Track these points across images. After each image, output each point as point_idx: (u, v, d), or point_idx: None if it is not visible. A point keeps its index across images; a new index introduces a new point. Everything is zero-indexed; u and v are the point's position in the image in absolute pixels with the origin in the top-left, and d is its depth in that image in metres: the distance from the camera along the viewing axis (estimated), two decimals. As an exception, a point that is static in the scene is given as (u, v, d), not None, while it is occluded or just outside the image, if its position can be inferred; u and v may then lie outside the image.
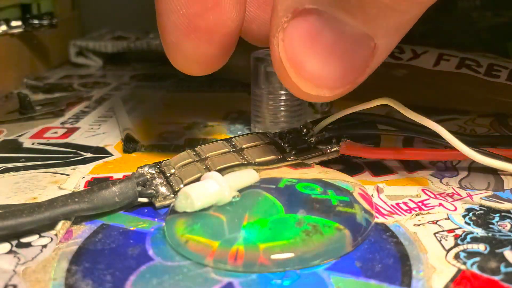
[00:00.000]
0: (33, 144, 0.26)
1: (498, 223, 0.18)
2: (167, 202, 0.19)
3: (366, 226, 0.17)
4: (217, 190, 0.17)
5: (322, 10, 0.15)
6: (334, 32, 0.15)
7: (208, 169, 0.20)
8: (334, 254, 0.16)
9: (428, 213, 0.19)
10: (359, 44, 0.16)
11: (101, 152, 0.25)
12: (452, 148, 0.18)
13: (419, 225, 0.18)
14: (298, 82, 0.16)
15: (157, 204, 0.19)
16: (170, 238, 0.17)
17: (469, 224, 0.18)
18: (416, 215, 0.18)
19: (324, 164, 0.21)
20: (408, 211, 0.19)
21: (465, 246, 0.16)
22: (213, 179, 0.17)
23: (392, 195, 0.20)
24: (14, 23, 0.37)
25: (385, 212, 0.19)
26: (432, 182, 0.21)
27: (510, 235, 0.17)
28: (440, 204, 0.19)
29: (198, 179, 0.19)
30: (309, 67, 0.16)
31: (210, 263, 0.16)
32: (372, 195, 0.20)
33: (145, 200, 0.19)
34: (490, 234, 0.17)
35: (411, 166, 0.22)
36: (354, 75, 0.16)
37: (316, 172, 0.20)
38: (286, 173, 0.20)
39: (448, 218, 0.18)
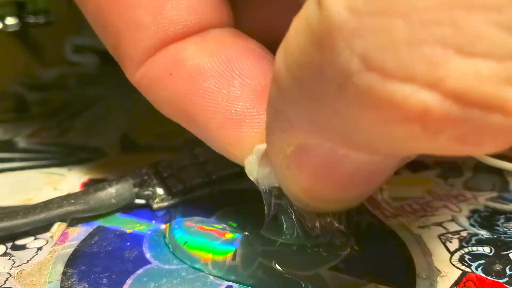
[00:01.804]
0: (28, 144, 0.26)
1: (504, 225, 0.18)
2: (165, 203, 0.19)
3: (370, 229, 0.17)
4: None
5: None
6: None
7: (208, 174, 0.19)
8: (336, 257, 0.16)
9: (433, 214, 0.18)
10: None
11: (97, 152, 0.24)
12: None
13: (423, 227, 0.17)
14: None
15: (154, 206, 0.18)
16: (170, 240, 0.16)
17: (474, 226, 0.17)
18: (421, 216, 0.18)
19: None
20: (412, 213, 0.18)
21: (470, 249, 0.16)
22: None
23: (396, 197, 0.20)
24: (9, 21, 0.36)
25: (389, 214, 0.18)
26: (436, 183, 0.21)
27: (516, 237, 0.17)
28: (445, 206, 0.19)
29: (198, 184, 0.18)
30: None
31: (208, 265, 0.15)
32: (376, 196, 0.20)
33: (142, 201, 0.19)
34: (495, 236, 0.17)
35: (415, 166, 0.22)
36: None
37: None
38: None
39: (452, 220, 0.18)
